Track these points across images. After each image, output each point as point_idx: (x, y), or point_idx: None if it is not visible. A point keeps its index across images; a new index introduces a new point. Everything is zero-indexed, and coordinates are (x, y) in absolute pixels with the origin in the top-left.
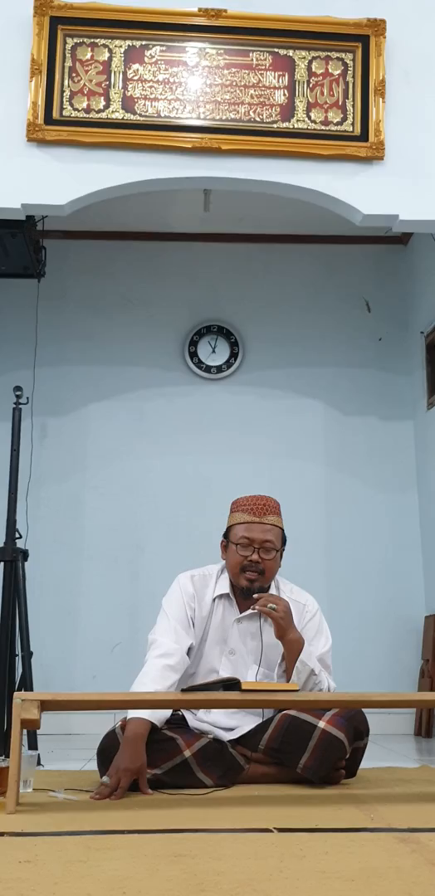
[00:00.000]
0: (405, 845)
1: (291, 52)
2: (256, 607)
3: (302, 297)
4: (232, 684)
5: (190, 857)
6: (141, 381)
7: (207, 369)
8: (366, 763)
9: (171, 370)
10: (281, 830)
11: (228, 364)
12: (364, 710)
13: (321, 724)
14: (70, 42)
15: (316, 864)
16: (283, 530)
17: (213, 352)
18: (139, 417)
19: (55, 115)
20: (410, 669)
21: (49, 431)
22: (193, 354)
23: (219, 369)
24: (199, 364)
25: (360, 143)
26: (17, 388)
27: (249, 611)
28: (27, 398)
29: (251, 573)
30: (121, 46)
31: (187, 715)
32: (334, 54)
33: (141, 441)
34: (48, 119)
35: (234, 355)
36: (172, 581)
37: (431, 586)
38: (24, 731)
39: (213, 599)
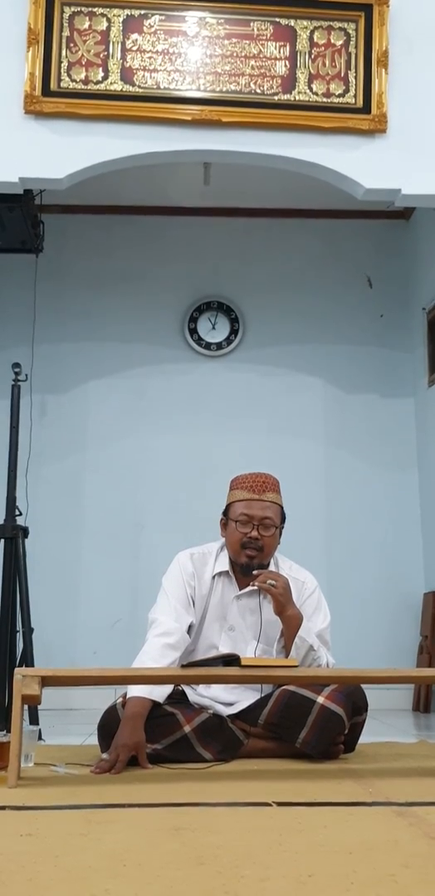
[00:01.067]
0: (403, 819)
1: (292, 22)
2: (256, 584)
3: (303, 273)
4: (232, 660)
5: (189, 831)
6: (140, 357)
7: (207, 346)
8: (364, 738)
9: (170, 347)
10: (280, 804)
11: (229, 341)
12: (363, 685)
13: (320, 699)
14: (68, 11)
15: (314, 838)
16: (282, 507)
17: (213, 328)
18: (139, 394)
19: (53, 86)
20: (408, 645)
21: (48, 409)
22: (193, 331)
23: (219, 346)
24: (199, 341)
25: (362, 115)
26: (16, 365)
27: (249, 587)
28: (26, 375)
29: (251, 550)
30: (119, 15)
31: (187, 690)
32: (337, 24)
33: (140, 418)
34: (46, 91)
35: (234, 332)
36: (172, 558)
37: (431, 564)
38: (26, 707)
39: (213, 577)
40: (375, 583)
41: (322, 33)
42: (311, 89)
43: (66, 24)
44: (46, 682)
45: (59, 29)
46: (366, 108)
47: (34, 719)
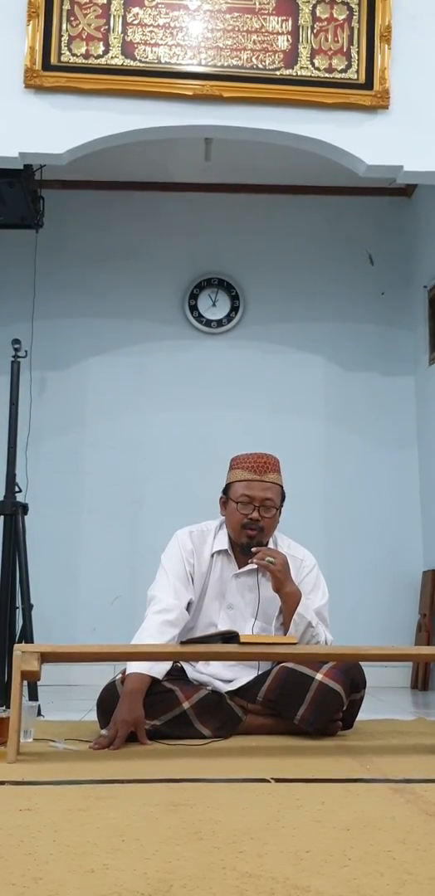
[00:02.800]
0: (400, 796)
1: None
2: (254, 561)
3: (304, 250)
4: (230, 637)
5: (188, 807)
6: (140, 334)
7: (208, 323)
8: (362, 715)
9: (170, 324)
10: (278, 781)
11: (229, 318)
12: (361, 662)
13: (319, 676)
14: None
15: (312, 814)
16: (282, 487)
17: (214, 305)
18: (139, 371)
19: (53, 60)
20: (407, 623)
21: (48, 385)
22: (193, 308)
23: (219, 323)
24: (200, 318)
25: (364, 91)
26: (16, 342)
27: (248, 566)
28: (26, 351)
29: (251, 531)
30: None
31: (186, 667)
32: None
33: (140, 395)
34: (46, 65)
35: (234, 309)
36: (172, 535)
37: (429, 542)
38: (25, 683)
39: (212, 555)
40: (374, 560)
41: (324, 7)
42: (313, 64)
43: None
44: (46, 658)
45: (59, 2)
46: (368, 84)
47: (33, 695)
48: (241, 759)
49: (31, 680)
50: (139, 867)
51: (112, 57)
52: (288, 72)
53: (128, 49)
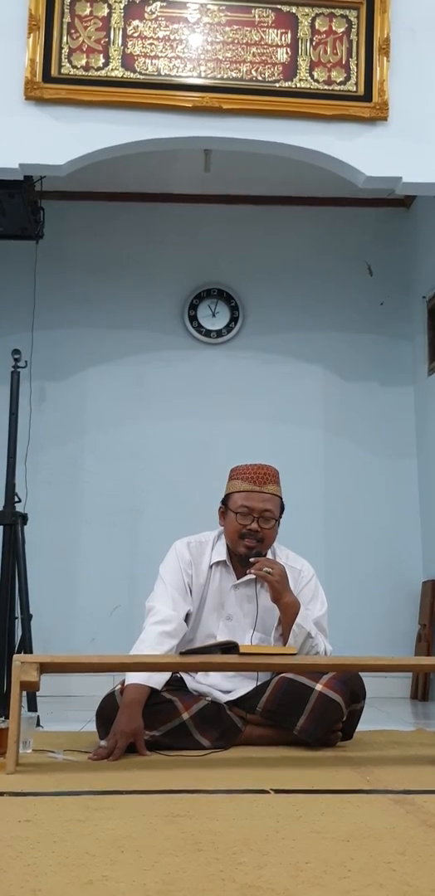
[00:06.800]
0: (400, 807)
1: (294, 9)
2: (252, 571)
3: (303, 261)
4: (230, 647)
5: (187, 818)
6: (140, 344)
7: (207, 333)
8: (362, 726)
9: (170, 334)
10: (277, 791)
11: (228, 328)
12: (361, 673)
13: (318, 686)
14: None
15: (312, 825)
16: (281, 499)
17: (213, 316)
18: (138, 381)
19: (54, 72)
20: (406, 634)
21: (48, 395)
22: (193, 318)
23: (219, 334)
24: (199, 328)
25: (363, 103)
26: (16, 352)
27: (246, 577)
28: (25, 362)
29: (250, 541)
30: (120, 2)
31: (186, 677)
32: (338, 11)
33: (140, 405)
34: (46, 77)
35: (234, 319)
36: (171, 545)
37: (429, 552)
38: (24, 693)
39: (210, 566)
40: (373, 571)
41: (323, 20)
42: (312, 77)
43: (66, 10)
44: (45, 668)
45: (59, 15)
46: (367, 96)
47: (33, 706)
48: (240, 769)
49: (31, 690)
50: (138, 878)
51: (112, 69)
52: (287, 84)
53: (128, 61)
